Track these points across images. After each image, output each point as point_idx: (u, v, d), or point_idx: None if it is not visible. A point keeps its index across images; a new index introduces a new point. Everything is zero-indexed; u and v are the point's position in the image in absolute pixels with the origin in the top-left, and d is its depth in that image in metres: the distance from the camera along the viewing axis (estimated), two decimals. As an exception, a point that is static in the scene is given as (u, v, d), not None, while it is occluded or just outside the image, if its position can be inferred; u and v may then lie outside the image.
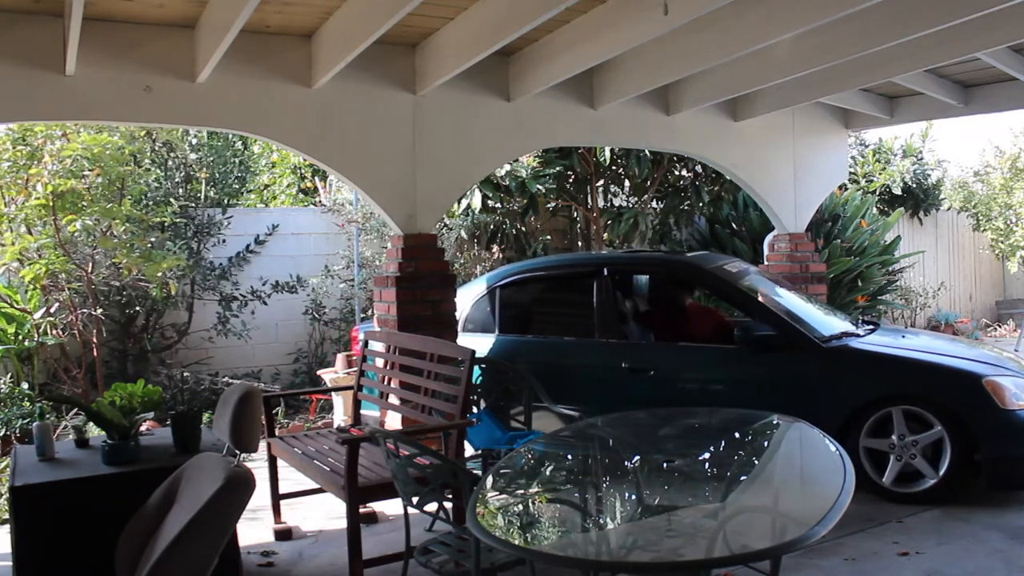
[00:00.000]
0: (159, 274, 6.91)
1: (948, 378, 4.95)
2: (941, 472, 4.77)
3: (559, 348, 5.82)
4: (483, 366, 5.31)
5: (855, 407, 4.95)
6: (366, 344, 5.45)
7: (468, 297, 6.21)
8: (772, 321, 5.28)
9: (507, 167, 8.03)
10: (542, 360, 5.69)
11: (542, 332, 6.03)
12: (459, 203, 8.51)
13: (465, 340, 5.81)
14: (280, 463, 4.76)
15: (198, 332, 8.25)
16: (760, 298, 5.55)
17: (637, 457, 3.60)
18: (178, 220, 7.95)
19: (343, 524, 3.77)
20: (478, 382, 5.15)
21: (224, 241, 8.42)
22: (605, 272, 5.74)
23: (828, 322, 5.58)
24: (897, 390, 4.94)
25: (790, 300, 5.76)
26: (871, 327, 5.78)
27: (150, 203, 7.66)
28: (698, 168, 9.14)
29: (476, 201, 8.37)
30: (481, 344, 5.84)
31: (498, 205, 8.67)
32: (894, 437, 4.87)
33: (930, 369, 5.05)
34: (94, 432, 4.74)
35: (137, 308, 7.75)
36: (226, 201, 8.56)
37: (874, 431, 4.95)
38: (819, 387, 5.06)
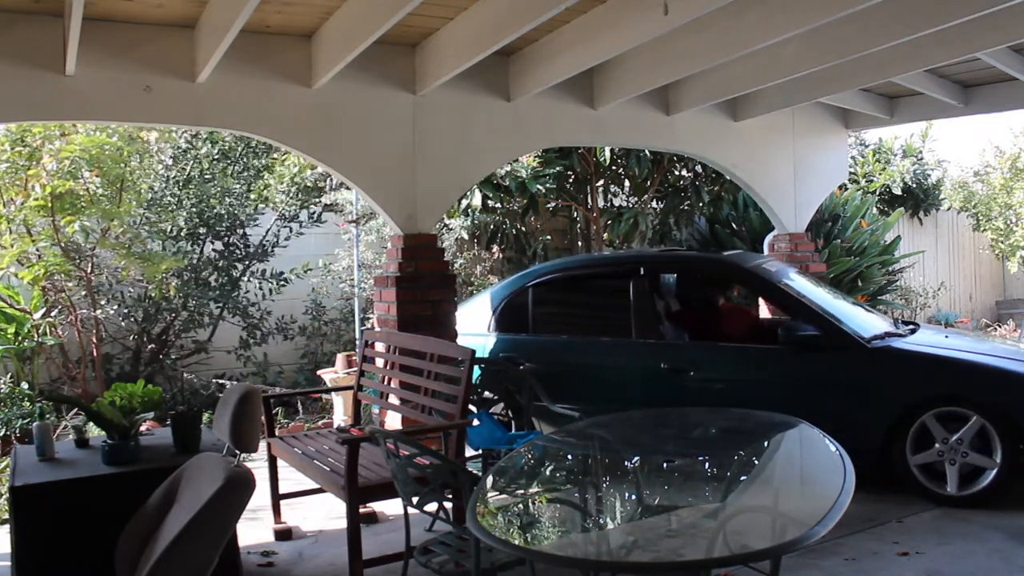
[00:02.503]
0: (158, 276, 6.92)
1: (1001, 379, 4.82)
2: (998, 459, 4.64)
3: (595, 348, 5.71)
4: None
5: (904, 407, 4.83)
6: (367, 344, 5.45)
7: (498, 297, 6.12)
8: (816, 321, 5.15)
9: (507, 167, 8.03)
10: (577, 361, 5.64)
11: (577, 332, 5.91)
12: (459, 203, 8.51)
13: (497, 340, 5.83)
14: (280, 463, 4.76)
15: (220, 350, 8.21)
16: (802, 297, 5.43)
17: (637, 457, 3.60)
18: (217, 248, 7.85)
19: (343, 524, 3.77)
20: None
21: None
22: (642, 271, 5.66)
23: (869, 321, 5.49)
24: (948, 390, 4.80)
25: (829, 299, 5.64)
26: (912, 327, 5.68)
27: (162, 207, 7.57)
28: (698, 168, 9.14)
29: (476, 201, 8.37)
30: (514, 345, 5.80)
31: (498, 205, 8.67)
32: (954, 436, 4.71)
33: (985, 370, 4.90)
34: (94, 432, 4.73)
35: (159, 322, 7.66)
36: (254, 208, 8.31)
37: (918, 440, 4.82)
38: (865, 388, 4.94)
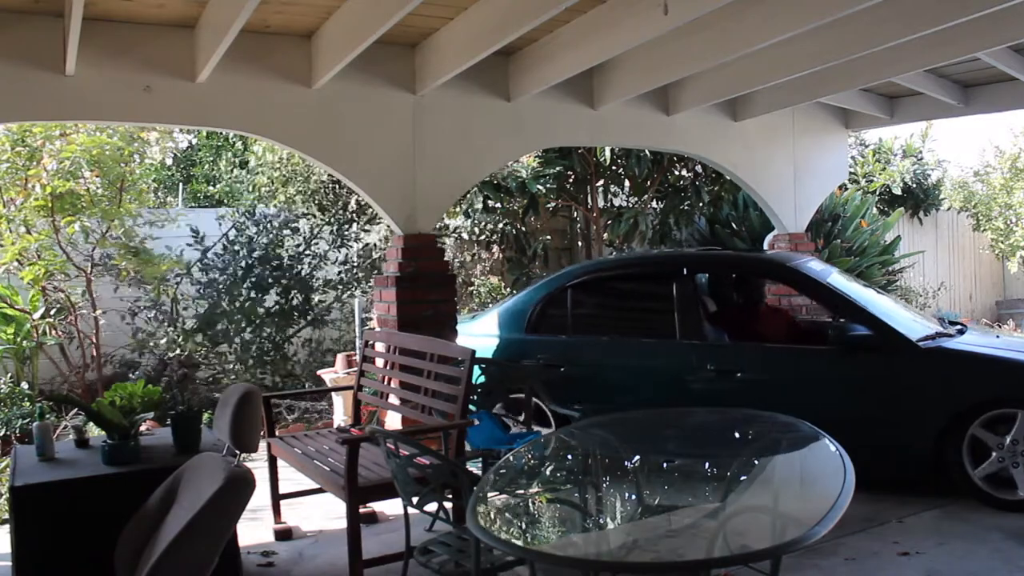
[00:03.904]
0: (156, 277, 6.93)
1: None
2: None
3: (638, 350, 5.58)
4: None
5: (959, 410, 4.69)
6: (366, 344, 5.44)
7: (535, 298, 5.96)
8: (867, 321, 5.00)
9: (508, 168, 8.03)
10: (619, 362, 5.54)
11: (618, 333, 5.76)
12: (459, 205, 8.51)
13: (534, 342, 5.74)
14: (280, 463, 4.76)
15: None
16: (852, 297, 5.29)
17: (637, 457, 3.60)
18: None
19: (343, 524, 3.77)
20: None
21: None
22: (685, 271, 5.53)
23: (917, 321, 5.38)
24: (1006, 391, 4.68)
25: (875, 298, 5.51)
26: (959, 327, 5.54)
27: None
28: (698, 168, 9.14)
29: (478, 204, 8.37)
30: (552, 346, 5.68)
31: (498, 206, 8.67)
32: (1007, 438, 4.59)
33: None
34: (94, 432, 4.73)
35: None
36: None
37: (973, 451, 4.70)
38: (919, 390, 4.81)
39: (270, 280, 7.60)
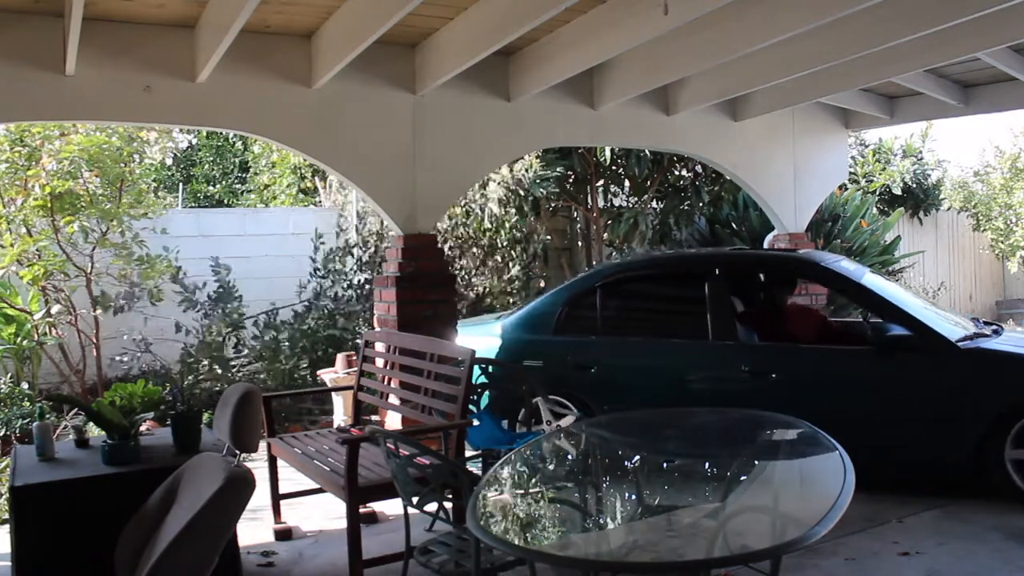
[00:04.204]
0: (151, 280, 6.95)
1: None
2: None
3: (670, 351, 5.47)
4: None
5: (1000, 411, 4.60)
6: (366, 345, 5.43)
7: (563, 298, 5.84)
8: (905, 321, 4.90)
9: (510, 173, 8.03)
10: (650, 363, 5.46)
11: (649, 334, 5.64)
12: (462, 208, 8.52)
13: (562, 343, 5.63)
14: (280, 463, 4.76)
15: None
16: (889, 297, 5.19)
17: (637, 457, 3.60)
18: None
19: (343, 524, 3.76)
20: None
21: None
22: (718, 271, 5.44)
23: (953, 322, 5.30)
24: None
25: (910, 299, 5.41)
26: (995, 327, 5.45)
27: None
28: (698, 168, 9.14)
29: (488, 212, 8.37)
30: (581, 347, 5.57)
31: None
32: None
33: None
34: (94, 432, 4.73)
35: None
36: None
37: (1018, 444, 4.60)
38: (960, 390, 4.73)
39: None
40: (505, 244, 8.79)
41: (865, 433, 4.76)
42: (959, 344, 4.83)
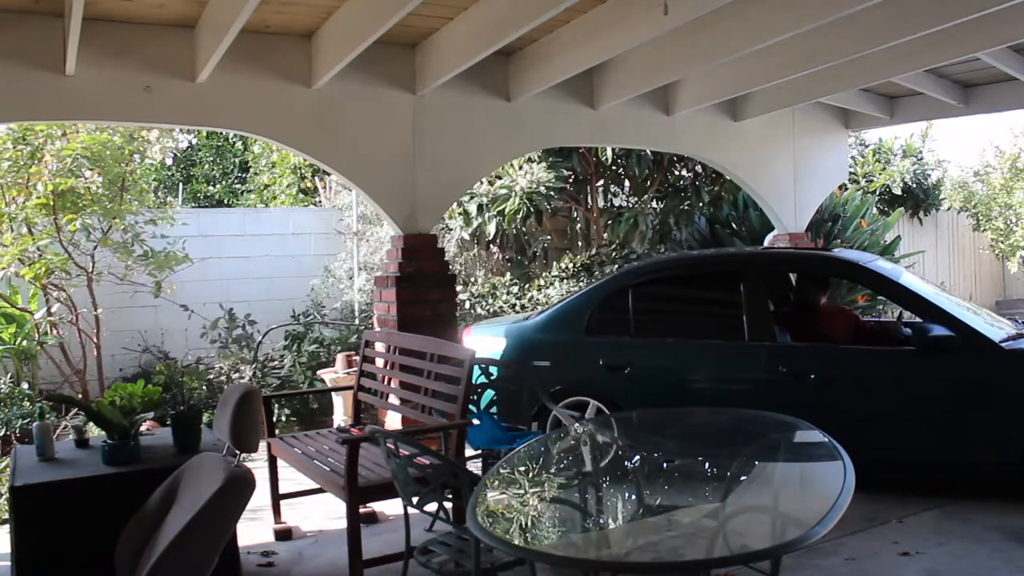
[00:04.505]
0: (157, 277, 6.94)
1: None
2: None
3: (705, 352, 5.38)
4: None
5: None
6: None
7: (594, 298, 5.71)
8: (948, 321, 4.80)
9: (508, 178, 8.03)
10: (685, 364, 5.38)
11: (684, 334, 5.51)
12: (460, 207, 8.51)
13: (594, 344, 5.52)
14: (280, 463, 4.76)
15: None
16: (929, 297, 5.10)
17: (637, 457, 3.60)
18: None
19: (343, 524, 3.76)
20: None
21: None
22: (754, 270, 5.37)
23: (992, 322, 5.22)
24: None
25: (947, 299, 5.33)
26: None
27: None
28: (698, 168, 9.14)
29: (472, 209, 8.38)
30: (614, 348, 5.47)
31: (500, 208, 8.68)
32: None
33: None
34: (94, 432, 4.73)
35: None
36: None
37: None
38: (1005, 391, 4.64)
39: None
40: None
41: (908, 436, 4.73)
42: (1003, 345, 4.75)
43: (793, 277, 6.05)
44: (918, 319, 5.16)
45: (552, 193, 8.18)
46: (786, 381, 5.02)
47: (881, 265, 5.48)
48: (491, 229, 8.44)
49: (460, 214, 8.60)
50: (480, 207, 8.44)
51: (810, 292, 5.70)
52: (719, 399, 5.10)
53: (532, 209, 8.12)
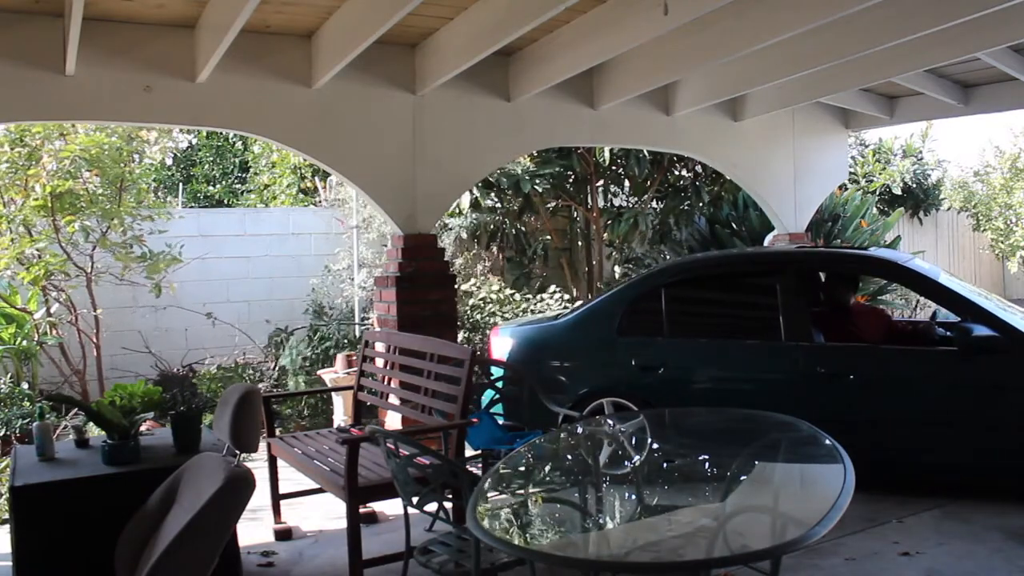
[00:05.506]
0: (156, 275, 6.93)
1: None
2: None
3: (741, 352, 5.28)
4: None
5: None
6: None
7: (626, 297, 5.60)
8: (991, 322, 4.71)
9: (505, 167, 8.02)
10: (721, 365, 5.31)
11: (719, 334, 5.45)
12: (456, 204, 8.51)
13: (626, 344, 5.42)
14: (280, 463, 4.76)
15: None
16: (970, 297, 5.02)
17: (637, 457, 3.60)
18: None
19: (343, 524, 3.76)
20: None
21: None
22: (790, 269, 5.28)
23: None
24: None
25: (985, 298, 5.25)
26: None
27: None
28: (698, 168, 9.14)
29: (464, 202, 8.36)
30: (647, 348, 5.37)
31: (498, 204, 8.66)
32: None
33: None
34: (94, 432, 4.73)
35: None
36: None
37: None
38: None
39: None
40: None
41: (951, 438, 4.68)
42: None
43: (822, 276, 5.95)
44: (955, 319, 5.08)
45: (540, 180, 8.15)
46: (824, 382, 4.94)
47: (919, 264, 5.41)
48: (486, 218, 8.43)
49: (459, 214, 8.61)
50: (474, 202, 8.45)
51: (840, 291, 5.63)
52: (756, 400, 4.95)
53: (522, 196, 8.11)
